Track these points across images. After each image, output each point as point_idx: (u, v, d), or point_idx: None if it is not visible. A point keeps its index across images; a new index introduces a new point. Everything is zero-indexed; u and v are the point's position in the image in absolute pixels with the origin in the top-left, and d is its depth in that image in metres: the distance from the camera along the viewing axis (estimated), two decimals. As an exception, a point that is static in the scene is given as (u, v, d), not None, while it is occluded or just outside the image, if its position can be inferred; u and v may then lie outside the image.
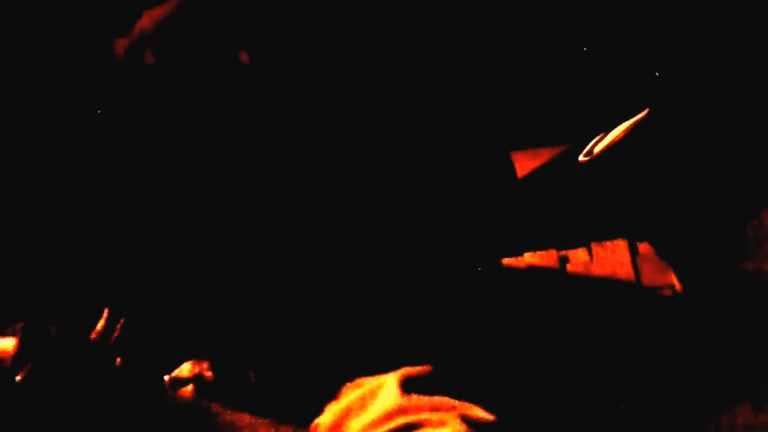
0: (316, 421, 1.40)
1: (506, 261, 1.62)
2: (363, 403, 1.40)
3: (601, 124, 1.63)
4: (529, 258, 1.63)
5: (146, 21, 1.56)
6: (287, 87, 1.56)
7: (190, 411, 1.35)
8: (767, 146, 1.63)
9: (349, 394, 1.42)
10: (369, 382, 1.42)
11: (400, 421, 1.37)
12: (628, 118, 1.61)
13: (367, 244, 1.53)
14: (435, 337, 1.49)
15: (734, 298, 1.57)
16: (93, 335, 1.38)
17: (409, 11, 1.62)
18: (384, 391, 1.40)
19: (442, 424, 1.36)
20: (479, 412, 1.38)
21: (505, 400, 1.42)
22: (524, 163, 1.66)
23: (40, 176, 1.52)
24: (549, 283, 1.62)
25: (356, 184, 1.56)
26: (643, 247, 1.64)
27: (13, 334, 1.30)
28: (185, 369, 1.41)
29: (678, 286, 1.59)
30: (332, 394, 1.42)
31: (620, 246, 1.63)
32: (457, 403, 1.39)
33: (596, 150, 1.61)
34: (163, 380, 1.38)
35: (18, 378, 1.24)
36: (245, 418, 1.38)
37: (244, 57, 1.58)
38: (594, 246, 1.64)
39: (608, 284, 1.61)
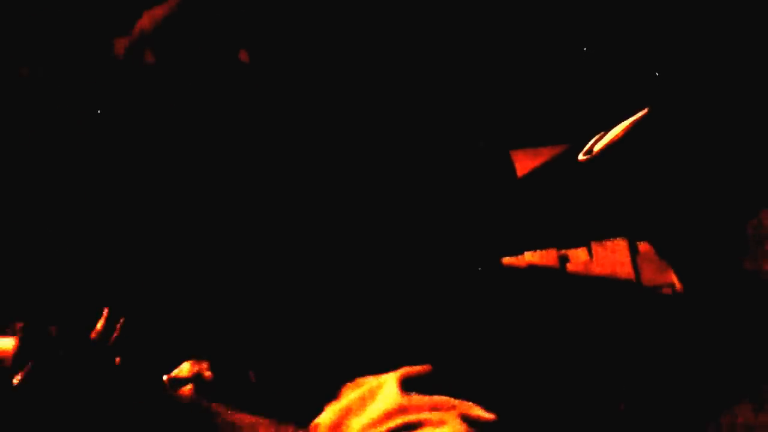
0: (316, 420, 1.40)
1: (506, 260, 1.62)
2: (363, 402, 1.40)
3: (600, 123, 1.63)
4: (529, 257, 1.63)
5: (146, 21, 1.56)
6: (287, 86, 1.56)
7: (190, 411, 1.35)
8: (767, 146, 1.63)
9: (349, 394, 1.42)
10: (369, 382, 1.42)
11: (400, 420, 1.37)
12: (627, 117, 1.61)
13: (367, 243, 1.53)
14: (435, 336, 1.49)
15: (734, 297, 1.57)
16: (93, 335, 1.39)
17: (409, 11, 1.62)
18: (384, 390, 1.40)
19: (442, 423, 1.35)
20: (479, 412, 1.38)
21: (505, 400, 1.42)
22: (524, 162, 1.65)
23: (40, 176, 1.52)
24: (549, 283, 1.62)
25: (356, 183, 1.56)
26: (643, 247, 1.63)
27: (13, 334, 1.30)
28: (185, 369, 1.41)
29: (678, 285, 1.59)
30: (332, 394, 1.42)
31: (620, 245, 1.63)
32: (456, 402, 1.39)
33: (596, 149, 1.61)
34: (163, 380, 1.39)
35: (16, 381, 1.24)
36: (245, 418, 1.38)
37: (243, 56, 1.58)
38: (594, 245, 1.64)
39: (608, 283, 1.61)
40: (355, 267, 1.51)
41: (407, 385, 1.41)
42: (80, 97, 1.55)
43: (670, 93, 1.63)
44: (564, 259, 1.64)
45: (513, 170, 1.67)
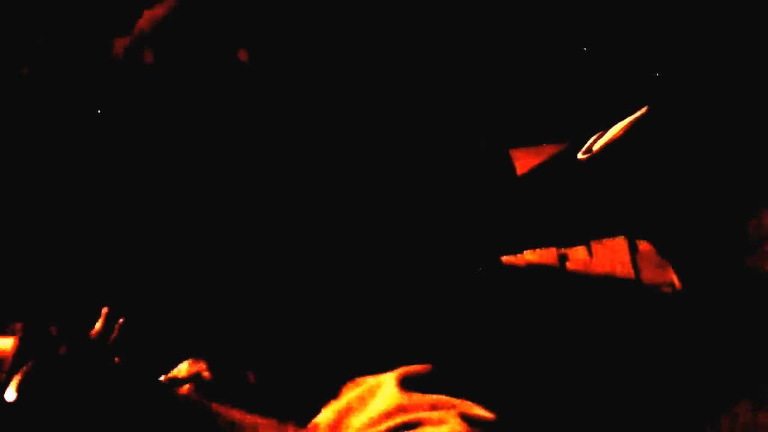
0: (315, 420, 1.40)
1: (506, 259, 1.62)
2: (362, 401, 1.40)
3: (600, 122, 1.63)
4: (529, 256, 1.63)
5: (146, 20, 1.56)
6: (286, 86, 1.56)
7: (188, 411, 1.35)
8: (767, 145, 1.63)
9: (348, 393, 1.42)
10: (368, 381, 1.42)
11: (399, 419, 1.36)
12: (627, 116, 1.61)
13: (367, 242, 1.53)
14: (434, 335, 1.49)
15: (734, 297, 1.57)
16: (92, 335, 1.39)
17: (408, 10, 1.62)
18: (383, 389, 1.40)
19: (441, 422, 1.35)
20: (479, 411, 1.37)
21: (505, 399, 1.42)
22: (524, 161, 1.66)
23: (40, 176, 1.53)
24: (549, 281, 1.62)
25: (356, 183, 1.56)
26: (643, 246, 1.63)
27: (13, 334, 1.30)
28: (183, 369, 1.41)
29: (677, 284, 1.59)
30: (331, 393, 1.42)
31: (620, 244, 1.63)
32: (456, 401, 1.38)
33: (595, 147, 1.61)
34: (161, 380, 1.39)
35: (15, 381, 1.24)
36: (244, 418, 1.38)
37: (243, 55, 1.58)
38: (593, 244, 1.64)
39: (608, 282, 1.61)
40: (355, 266, 1.51)
41: (407, 385, 1.40)
42: (80, 97, 1.55)
43: (669, 92, 1.63)
44: (564, 258, 1.64)
45: (513, 169, 1.67)
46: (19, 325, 1.25)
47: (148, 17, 1.57)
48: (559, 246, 1.64)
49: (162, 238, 1.50)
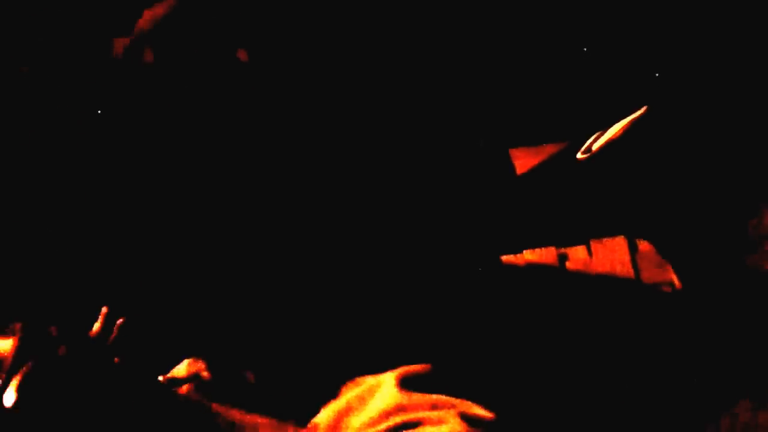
0: (315, 420, 1.40)
1: (505, 258, 1.62)
2: (362, 401, 1.40)
3: (599, 122, 1.63)
4: (529, 255, 1.63)
5: (146, 20, 1.57)
6: (286, 85, 1.57)
7: (187, 411, 1.35)
8: (767, 144, 1.63)
9: (348, 393, 1.42)
10: (368, 381, 1.41)
11: (399, 419, 1.36)
12: (626, 115, 1.61)
13: (366, 242, 1.53)
14: (434, 335, 1.49)
15: (734, 296, 1.57)
16: (91, 335, 1.39)
17: (408, 9, 1.62)
18: (382, 389, 1.40)
19: (441, 422, 1.35)
20: (478, 410, 1.37)
21: (505, 398, 1.42)
22: (523, 161, 1.66)
23: (40, 176, 1.53)
24: (548, 281, 1.61)
25: (355, 182, 1.56)
26: (643, 245, 1.63)
27: (12, 335, 1.30)
28: (182, 368, 1.41)
29: (677, 283, 1.59)
30: (331, 393, 1.42)
31: (619, 243, 1.63)
32: (456, 401, 1.38)
33: (595, 147, 1.61)
34: (160, 380, 1.39)
35: (12, 395, 1.24)
36: (243, 418, 1.38)
37: (242, 55, 1.58)
38: (593, 243, 1.64)
39: (607, 282, 1.61)
40: (354, 265, 1.51)
41: (406, 384, 1.40)
42: (80, 97, 1.55)
43: (668, 91, 1.63)
44: (563, 258, 1.64)
45: (512, 168, 1.67)
46: (18, 326, 1.25)
47: (148, 17, 1.57)
48: (558, 245, 1.64)
49: (161, 238, 1.50)
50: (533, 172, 1.65)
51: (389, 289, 1.51)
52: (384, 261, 1.53)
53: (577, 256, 1.64)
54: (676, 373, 1.53)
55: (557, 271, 1.62)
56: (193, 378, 1.41)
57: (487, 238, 1.61)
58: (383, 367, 1.42)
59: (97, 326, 1.41)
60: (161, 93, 1.54)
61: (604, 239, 1.64)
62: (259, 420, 1.40)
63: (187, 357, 1.43)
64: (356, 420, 1.39)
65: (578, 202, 1.65)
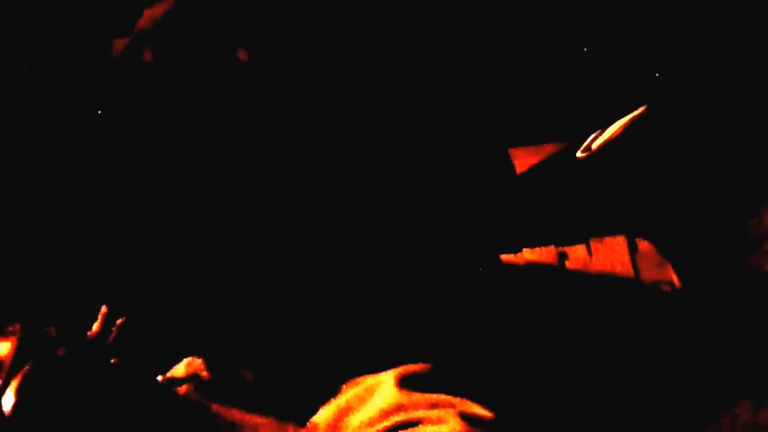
0: (314, 419, 1.40)
1: (505, 257, 1.62)
2: (360, 400, 1.40)
3: (599, 120, 1.63)
4: (528, 254, 1.63)
5: (146, 19, 1.57)
6: (286, 85, 1.57)
7: (187, 411, 1.35)
8: (767, 144, 1.63)
9: (347, 392, 1.42)
10: (367, 380, 1.42)
11: (398, 418, 1.36)
12: (626, 114, 1.61)
13: (365, 241, 1.53)
14: (433, 334, 1.49)
15: (733, 296, 1.57)
16: (90, 335, 1.39)
17: (408, 9, 1.62)
18: (382, 388, 1.40)
19: (440, 421, 1.35)
20: (478, 410, 1.37)
21: (504, 398, 1.42)
22: (523, 160, 1.65)
23: (39, 176, 1.53)
24: (548, 280, 1.61)
25: (354, 181, 1.56)
26: (643, 244, 1.63)
27: (11, 335, 1.30)
28: (181, 368, 1.41)
29: (677, 283, 1.59)
30: (330, 393, 1.42)
31: (619, 242, 1.63)
32: (455, 400, 1.38)
33: (594, 146, 1.61)
34: (159, 380, 1.39)
35: (10, 399, 1.24)
36: (243, 418, 1.38)
37: (242, 55, 1.58)
38: (593, 242, 1.63)
39: (607, 281, 1.61)
40: (353, 264, 1.51)
41: (405, 384, 1.40)
42: (80, 97, 1.55)
43: (668, 90, 1.63)
44: (563, 257, 1.63)
45: (512, 168, 1.67)
46: (17, 326, 1.25)
47: (148, 16, 1.57)
48: (558, 244, 1.64)
49: (161, 238, 1.50)
50: (533, 171, 1.64)
51: (388, 288, 1.51)
52: (383, 260, 1.53)
53: (577, 255, 1.63)
54: (676, 373, 1.53)
55: (557, 270, 1.62)
56: (192, 378, 1.41)
57: (486, 237, 1.61)
58: (382, 367, 1.42)
59: (96, 326, 1.42)
60: (161, 92, 1.54)
61: (604, 238, 1.63)
62: (259, 420, 1.40)
63: (186, 357, 1.44)
64: (356, 419, 1.39)
65: (578, 201, 1.65)
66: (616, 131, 1.60)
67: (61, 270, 1.49)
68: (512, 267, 1.62)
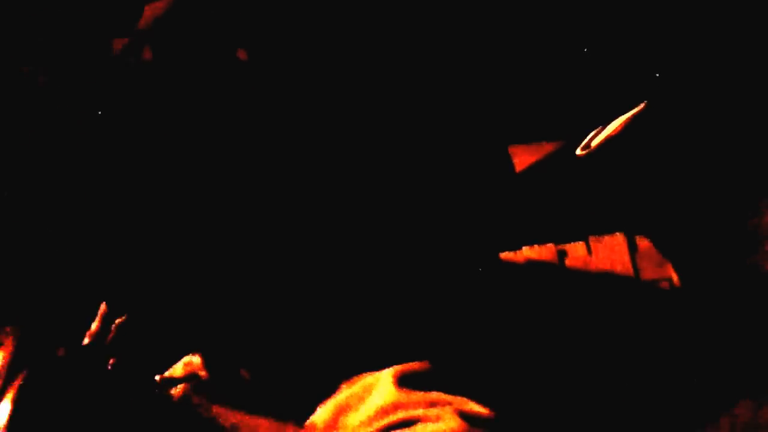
0: (312, 419, 1.41)
1: (504, 255, 1.62)
2: (359, 399, 1.41)
3: (598, 118, 1.62)
4: (527, 252, 1.63)
5: (146, 17, 1.57)
6: (286, 85, 1.57)
7: (183, 410, 1.36)
8: (767, 143, 1.62)
9: (345, 391, 1.42)
10: (365, 379, 1.42)
11: (396, 416, 1.37)
12: (625, 112, 1.60)
13: (363, 239, 1.53)
14: (432, 332, 1.49)
15: (734, 296, 1.56)
16: (88, 334, 1.40)
17: (408, 8, 1.61)
18: (380, 387, 1.40)
19: (438, 419, 1.36)
20: (476, 407, 1.38)
21: (503, 396, 1.42)
22: (522, 158, 1.65)
23: (39, 176, 1.53)
24: (547, 278, 1.61)
25: (354, 180, 1.56)
26: (642, 242, 1.62)
27: (5, 337, 1.31)
28: (179, 368, 1.41)
29: (677, 281, 1.58)
30: (328, 391, 1.43)
31: (618, 240, 1.62)
32: (454, 398, 1.38)
33: (594, 144, 1.60)
34: (156, 380, 1.39)
35: (7, 407, 1.24)
36: (241, 417, 1.39)
37: (242, 54, 1.58)
38: (592, 240, 1.63)
39: (607, 279, 1.60)
40: (352, 263, 1.51)
41: (404, 382, 1.41)
42: (80, 97, 1.56)
43: (668, 87, 1.62)
44: (562, 254, 1.63)
45: (511, 166, 1.66)
46: (9, 329, 1.26)
47: (148, 14, 1.58)
48: (557, 242, 1.63)
49: (160, 237, 1.51)
50: (532, 169, 1.64)
51: (387, 287, 1.51)
52: (381, 258, 1.53)
53: (577, 253, 1.63)
54: (676, 372, 1.52)
55: (556, 268, 1.61)
56: (190, 377, 1.42)
57: (486, 235, 1.61)
58: (381, 365, 1.42)
59: (95, 325, 1.43)
60: (161, 92, 1.54)
61: (604, 237, 1.63)
62: (257, 419, 1.40)
63: (184, 356, 1.44)
64: (354, 418, 1.39)
65: (577, 199, 1.64)
66: (615, 129, 1.59)
67: (61, 269, 1.49)
68: (511, 265, 1.61)
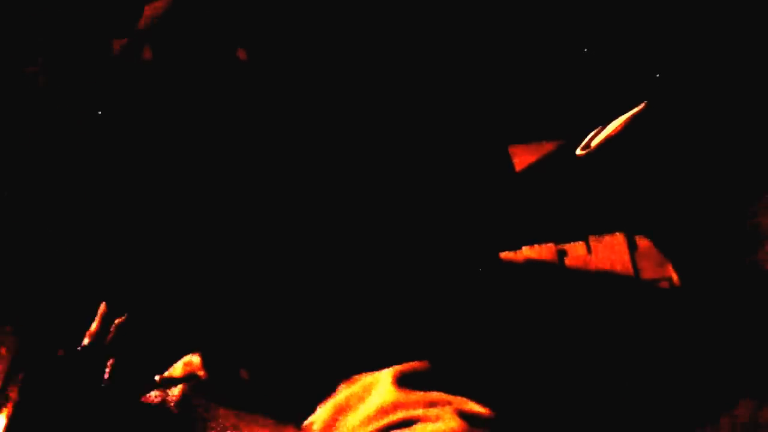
0: (311, 418, 1.41)
1: (504, 255, 1.62)
2: (357, 399, 1.41)
3: (598, 118, 1.62)
4: (527, 252, 1.63)
5: (146, 17, 1.57)
6: (286, 84, 1.57)
7: (183, 411, 1.36)
8: (767, 141, 1.62)
9: (345, 391, 1.42)
10: (364, 379, 1.42)
11: (396, 416, 1.37)
12: (625, 111, 1.60)
13: (363, 238, 1.53)
14: (431, 332, 1.49)
15: (734, 295, 1.56)
16: (88, 334, 1.40)
17: (408, 8, 1.61)
18: (379, 387, 1.40)
19: (437, 419, 1.35)
20: (476, 407, 1.38)
21: (502, 395, 1.42)
22: (522, 157, 1.65)
23: (40, 176, 1.54)
24: (547, 277, 1.61)
25: (354, 179, 1.56)
26: (642, 242, 1.62)
27: (9, 335, 1.31)
28: (178, 368, 1.42)
29: (676, 280, 1.58)
30: (328, 391, 1.43)
31: (618, 240, 1.62)
32: (453, 398, 1.38)
33: (594, 143, 1.60)
34: (155, 380, 1.39)
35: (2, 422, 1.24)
36: (240, 417, 1.39)
37: (241, 54, 1.58)
38: (592, 240, 1.63)
39: (607, 278, 1.60)
40: (351, 263, 1.51)
41: (403, 382, 1.41)
42: (81, 96, 1.56)
43: (668, 87, 1.62)
44: (562, 254, 1.63)
45: (511, 165, 1.66)
46: (9, 329, 1.26)
47: (148, 14, 1.58)
48: (557, 242, 1.64)
49: (160, 237, 1.51)
50: (532, 168, 1.64)
51: (386, 286, 1.51)
52: (381, 258, 1.53)
53: (576, 252, 1.63)
54: (676, 372, 1.52)
55: (556, 267, 1.61)
56: (189, 377, 1.42)
57: (486, 235, 1.61)
58: (380, 365, 1.42)
59: (94, 326, 1.43)
60: (160, 92, 1.54)
61: (604, 236, 1.63)
62: (256, 418, 1.40)
63: (184, 356, 1.44)
64: (353, 418, 1.39)
65: (577, 199, 1.64)
66: (615, 129, 1.59)
67: (61, 269, 1.49)
68: (512, 264, 1.61)
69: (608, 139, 1.58)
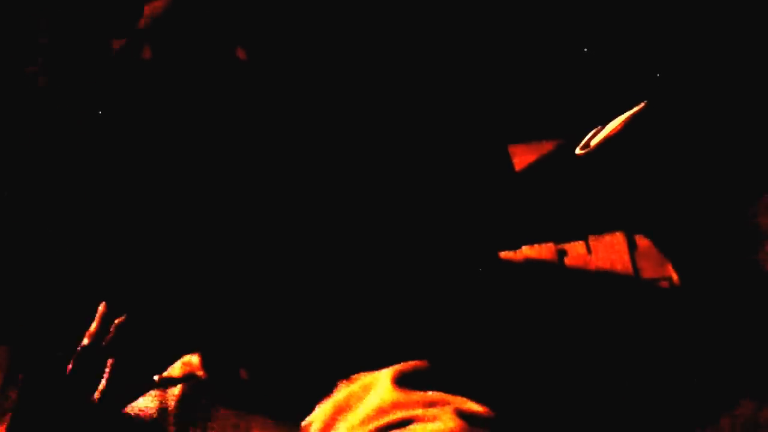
0: (309, 418, 1.41)
1: (504, 254, 1.62)
2: (357, 398, 1.41)
3: (598, 117, 1.62)
4: (527, 251, 1.62)
5: (145, 16, 1.57)
6: (285, 84, 1.57)
7: (183, 411, 1.36)
8: (767, 141, 1.61)
9: (343, 390, 1.42)
10: (363, 378, 1.42)
11: (395, 416, 1.37)
12: (625, 111, 1.60)
13: (363, 238, 1.53)
14: (430, 331, 1.49)
15: (734, 295, 1.56)
16: (88, 334, 1.40)
17: (407, 8, 1.61)
18: (378, 386, 1.40)
19: (436, 419, 1.35)
20: (474, 407, 1.37)
21: (502, 395, 1.42)
22: (522, 157, 1.65)
23: (40, 176, 1.54)
24: (547, 277, 1.61)
25: (353, 179, 1.56)
26: (642, 241, 1.62)
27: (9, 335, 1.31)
28: (177, 368, 1.42)
29: (676, 280, 1.58)
30: (326, 391, 1.43)
31: (618, 239, 1.62)
32: (452, 397, 1.38)
33: (593, 143, 1.60)
34: (155, 380, 1.40)
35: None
36: (239, 416, 1.39)
37: (241, 54, 1.58)
38: (592, 240, 1.63)
39: (607, 278, 1.60)
40: (350, 262, 1.51)
41: (402, 381, 1.41)
42: (81, 96, 1.56)
43: (668, 87, 1.62)
44: (562, 253, 1.63)
45: (511, 165, 1.66)
46: (8, 329, 1.26)
47: (148, 14, 1.58)
48: (557, 242, 1.63)
49: (160, 237, 1.51)
50: (532, 168, 1.64)
51: (385, 286, 1.51)
52: (380, 257, 1.53)
53: (576, 252, 1.63)
54: (676, 372, 1.52)
55: (556, 267, 1.61)
56: (188, 377, 1.42)
57: (485, 234, 1.61)
58: (379, 364, 1.43)
59: (94, 326, 1.43)
60: (160, 91, 1.54)
61: (604, 236, 1.62)
62: (255, 418, 1.41)
63: (183, 356, 1.44)
64: (352, 417, 1.40)
65: (577, 198, 1.64)
66: (615, 128, 1.59)
67: (60, 270, 1.50)
68: (511, 264, 1.61)
69: (608, 139, 1.58)
